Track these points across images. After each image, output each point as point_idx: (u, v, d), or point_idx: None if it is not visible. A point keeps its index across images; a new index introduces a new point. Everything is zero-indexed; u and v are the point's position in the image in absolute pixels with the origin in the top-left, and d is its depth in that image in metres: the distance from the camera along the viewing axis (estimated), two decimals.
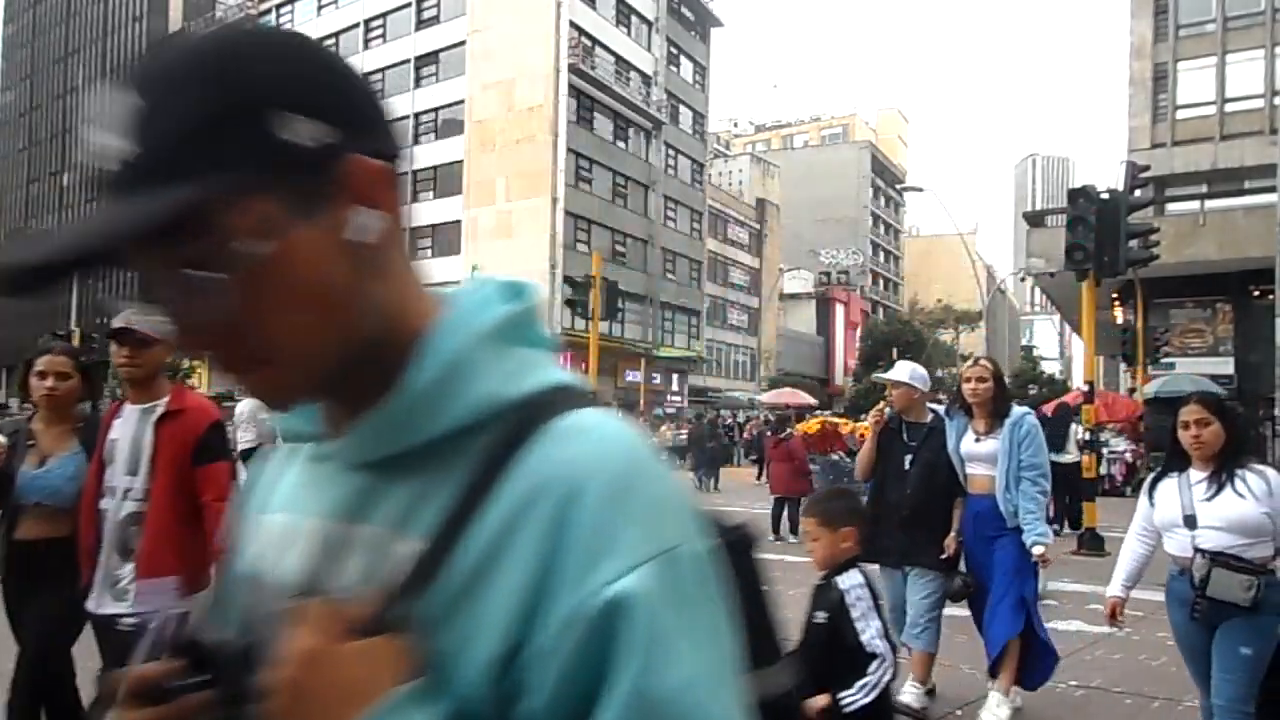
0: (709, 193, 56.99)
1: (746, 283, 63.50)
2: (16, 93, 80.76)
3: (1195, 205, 27.40)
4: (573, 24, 42.75)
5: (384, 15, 49.38)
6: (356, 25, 50.40)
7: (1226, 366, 25.39)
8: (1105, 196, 10.71)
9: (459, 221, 44.81)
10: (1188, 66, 28.42)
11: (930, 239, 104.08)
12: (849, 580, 3.02)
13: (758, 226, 65.19)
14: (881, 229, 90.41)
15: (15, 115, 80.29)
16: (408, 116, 47.59)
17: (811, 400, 37.92)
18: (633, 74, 47.72)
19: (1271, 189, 19.89)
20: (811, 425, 14.08)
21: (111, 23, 72.40)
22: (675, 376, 50.40)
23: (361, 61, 49.78)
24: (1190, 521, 3.24)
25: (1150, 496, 3.52)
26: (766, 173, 72.29)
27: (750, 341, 62.36)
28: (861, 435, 18.78)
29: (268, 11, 55.35)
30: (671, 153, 51.14)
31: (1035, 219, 29.30)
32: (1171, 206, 27.55)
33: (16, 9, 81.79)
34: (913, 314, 76.45)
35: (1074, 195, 10.97)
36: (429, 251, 46.49)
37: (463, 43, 45.45)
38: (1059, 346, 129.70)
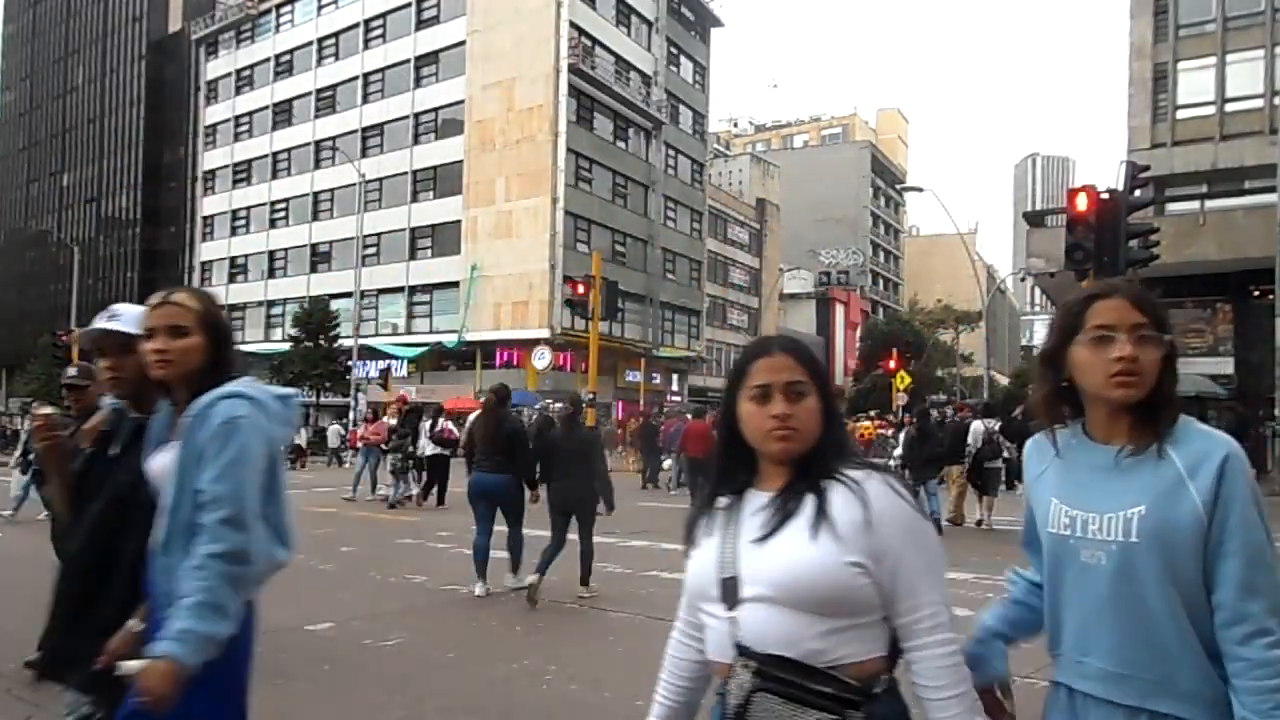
0: (709, 193, 57.00)
1: (746, 283, 63.49)
2: (16, 93, 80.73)
3: (1195, 205, 27.38)
4: (573, 24, 42.75)
5: (384, 15, 49.37)
6: (356, 25, 50.39)
7: (1226, 366, 25.39)
8: (1105, 196, 10.70)
9: (459, 221, 44.79)
10: (1188, 66, 28.40)
11: (930, 239, 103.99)
12: None
13: (758, 226, 65.18)
14: (881, 229, 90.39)
15: (15, 115, 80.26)
16: (408, 116, 47.61)
17: None
18: (633, 74, 47.72)
19: (1271, 189, 19.90)
20: None
21: (111, 23, 72.36)
22: (675, 376, 50.39)
23: (361, 61, 49.84)
24: (729, 591, 1.54)
25: (691, 536, 1.69)
26: (766, 173, 72.29)
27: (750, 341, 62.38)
28: (861, 435, 18.68)
29: (267, 11, 55.36)
30: (671, 153, 51.15)
31: (1035, 219, 29.29)
32: (1171, 206, 27.54)
33: (16, 9, 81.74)
34: (913, 314, 76.43)
35: (1074, 195, 10.96)
36: (429, 252, 46.51)
37: (463, 43, 45.44)
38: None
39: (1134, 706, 1.53)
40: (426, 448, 15.63)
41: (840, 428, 1.62)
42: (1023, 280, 55.88)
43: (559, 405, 13.95)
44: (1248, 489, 1.48)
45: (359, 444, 17.57)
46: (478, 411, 8.33)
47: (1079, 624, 1.59)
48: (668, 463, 19.86)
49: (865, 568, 1.47)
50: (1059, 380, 1.66)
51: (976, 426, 13.20)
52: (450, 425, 15.90)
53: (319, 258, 51.12)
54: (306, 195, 51.95)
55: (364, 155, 47.27)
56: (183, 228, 64.39)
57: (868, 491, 1.51)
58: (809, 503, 1.52)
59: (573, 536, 7.48)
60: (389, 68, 48.94)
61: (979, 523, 12.86)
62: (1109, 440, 1.60)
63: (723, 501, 1.64)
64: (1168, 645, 1.50)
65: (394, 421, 15.95)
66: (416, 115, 47.42)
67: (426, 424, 15.84)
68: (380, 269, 46.87)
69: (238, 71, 57.07)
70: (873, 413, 32.09)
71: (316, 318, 41.98)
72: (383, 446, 15.92)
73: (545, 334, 40.91)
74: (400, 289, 46.84)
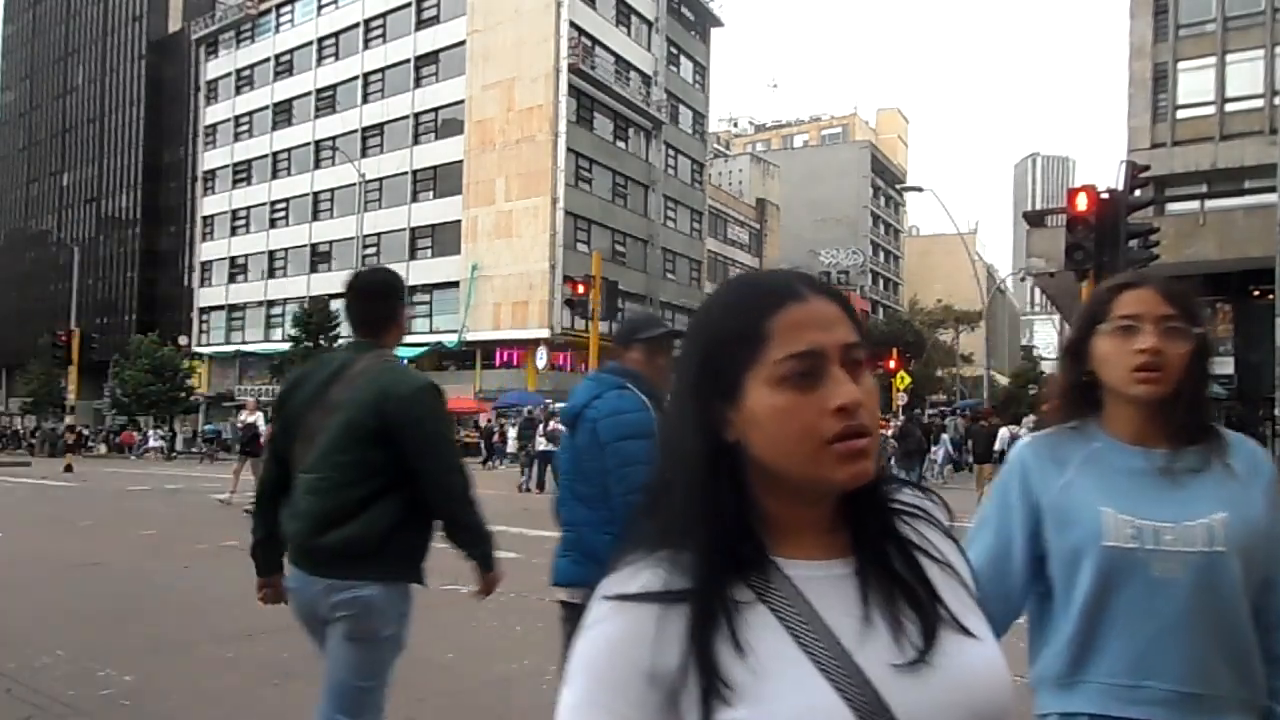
0: (709, 193, 56.99)
1: None
2: (16, 93, 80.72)
3: (1195, 205, 27.39)
4: (573, 24, 42.75)
5: (384, 15, 49.36)
6: (356, 25, 50.38)
7: (1226, 366, 25.37)
8: (1105, 196, 10.70)
9: (459, 221, 44.79)
10: (1188, 66, 28.40)
11: (930, 239, 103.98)
12: None
13: (758, 226, 65.19)
14: (881, 229, 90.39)
15: (15, 115, 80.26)
16: (408, 116, 47.61)
17: None
18: (633, 74, 47.72)
19: (1271, 189, 19.88)
20: None
21: (111, 23, 72.36)
22: (675, 376, 50.35)
23: (361, 61, 49.84)
24: None
25: (715, 669, 0.78)
26: (766, 173, 72.31)
27: None
28: None
29: (267, 11, 55.36)
30: (671, 153, 51.14)
31: (1035, 219, 29.28)
32: (1171, 206, 27.53)
33: (16, 9, 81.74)
34: (913, 314, 76.47)
35: (1074, 195, 10.96)
36: (429, 252, 46.51)
37: (463, 43, 45.44)
38: (1059, 346, 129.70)
39: None
40: (540, 443, 18.43)
41: None
42: (1023, 280, 55.96)
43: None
44: None
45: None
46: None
47: (1140, 645, 1.40)
48: None
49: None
50: (1081, 374, 1.52)
51: (1003, 432, 15.77)
52: (559, 426, 17.76)
53: (319, 258, 51.10)
54: (306, 195, 51.94)
55: (364, 155, 47.25)
56: (183, 228, 64.38)
57: (957, 539, 0.95)
58: (939, 574, 0.89)
59: None
60: (389, 68, 48.93)
61: None
62: (1140, 442, 1.46)
63: (744, 594, 0.82)
64: (1242, 657, 1.42)
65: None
66: (416, 115, 47.41)
67: (540, 425, 18.98)
68: None
69: (238, 71, 57.06)
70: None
71: (316, 318, 41.99)
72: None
73: (545, 334, 40.93)
74: None
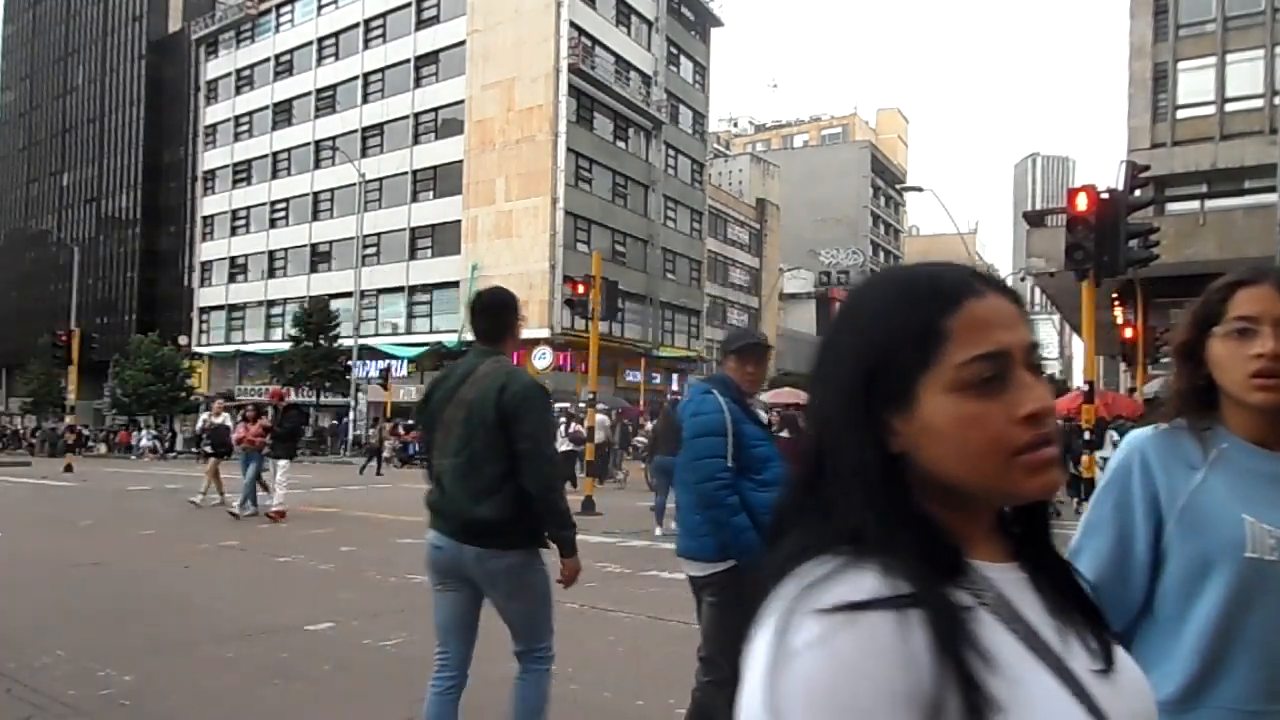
0: (709, 193, 56.99)
1: (746, 283, 63.50)
2: (16, 93, 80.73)
3: (1195, 205, 27.40)
4: (573, 24, 42.76)
5: (384, 15, 49.38)
6: (356, 25, 50.39)
7: None
8: (1105, 196, 10.69)
9: (459, 221, 44.80)
10: (1188, 66, 28.42)
11: (930, 239, 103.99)
12: None
13: (758, 226, 65.19)
14: (881, 229, 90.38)
15: (15, 115, 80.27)
16: (408, 116, 47.62)
17: None
18: (633, 74, 47.72)
19: (1271, 189, 19.89)
20: None
21: (111, 23, 72.36)
22: (675, 376, 50.38)
23: (361, 61, 49.85)
24: None
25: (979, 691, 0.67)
26: (766, 173, 72.28)
27: None
28: None
29: (267, 11, 55.37)
30: (671, 153, 51.14)
31: (1035, 219, 29.27)
32: (1171, 206, 27.55)
33: (16, 9, 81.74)
34: None
35: (1074, 195, 10.95)
36: (429, 252, 46.52)
37: (463, 43, 45.45)
38: (1059, 346, 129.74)
39: None
40: (562, 444, 18.35)
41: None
42: (1023, 280, 55.91)
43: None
44: None
45: (240, 447, 14.09)
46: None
47: (1272, 667, 1.28)
48: None
49: None
50: (1199, 377, 1.38)
51: None
52: (580, 428, 19.06)
53: (319, 258, 51.12)
54: (306, 195, 51.95)
55: (364, 155, 47.27)
56: (183, 228, 64.39)
57: None
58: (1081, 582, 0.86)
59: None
60: (389, 68, 48.94)
61: None
62: (1265, 444, 1.34)
63: (963, 598, 0.74)
64: None
65: (267, 420, 13.82)
66: (416, 115, 47.43)
67: (562, 425, 18.95)
68: (380, 269, 46.86)
69: (238, 71, 57.07)
70: None
71: (316, 318, 42.00)
72: (265, 450, 13.62)
73: (545, 334, 40.91)
74: (400, 289, 46.83)
